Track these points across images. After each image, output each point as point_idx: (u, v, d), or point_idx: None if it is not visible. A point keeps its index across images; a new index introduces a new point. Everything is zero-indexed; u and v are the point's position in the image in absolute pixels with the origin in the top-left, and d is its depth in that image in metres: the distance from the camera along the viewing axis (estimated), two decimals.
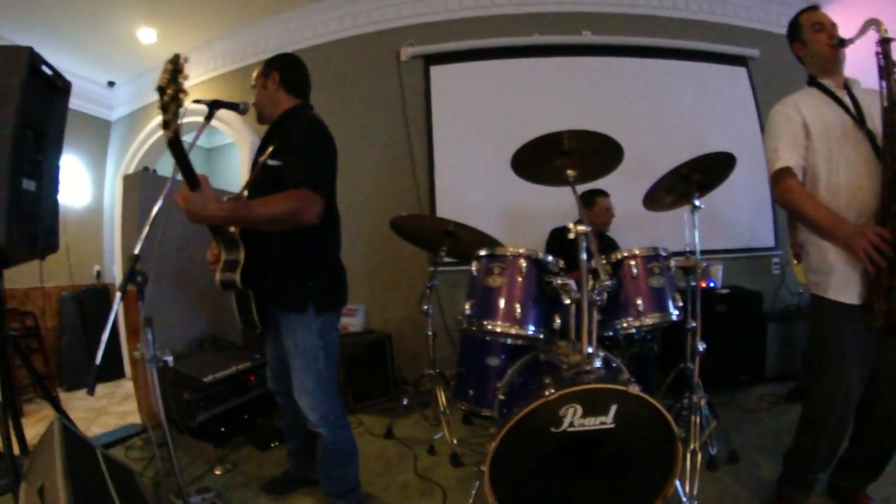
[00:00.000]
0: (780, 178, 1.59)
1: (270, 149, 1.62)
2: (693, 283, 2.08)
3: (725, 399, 2.86)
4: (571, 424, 1.48)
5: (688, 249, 2.50)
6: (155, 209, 1.38)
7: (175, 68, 1.16)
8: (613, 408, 1.49)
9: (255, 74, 1.79)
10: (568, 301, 1.66)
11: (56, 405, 1.96)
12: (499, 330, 1.74)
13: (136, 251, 1.34)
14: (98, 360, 1.18)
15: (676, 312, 1.91)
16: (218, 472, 2.27)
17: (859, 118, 1.52)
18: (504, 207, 3.52)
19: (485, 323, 1.75)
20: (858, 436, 1.65)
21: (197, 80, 4.18)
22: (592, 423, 1.49)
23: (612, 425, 1.50)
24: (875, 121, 1.49)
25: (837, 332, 1.52)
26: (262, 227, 1.52)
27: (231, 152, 5.97)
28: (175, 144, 1.20)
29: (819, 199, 1.55)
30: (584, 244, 1.61)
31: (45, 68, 1.72)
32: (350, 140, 3.72)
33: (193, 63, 4.17)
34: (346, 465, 1.80)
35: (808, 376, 1.74)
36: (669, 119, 3.61)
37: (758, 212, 3.66)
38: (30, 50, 1.62)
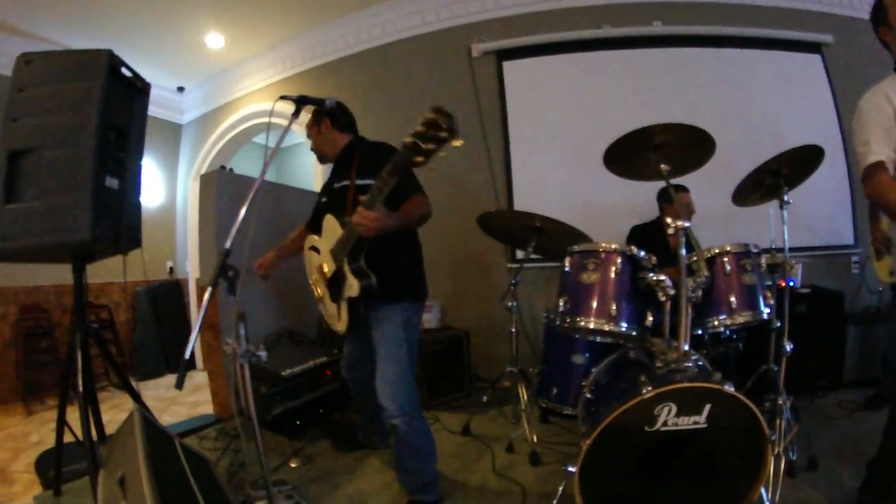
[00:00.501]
0: (872, 173, 1.52)
1: (352, 173, 1.86)
2: (777, 282, 2.04)
3: (803, 404, 2.76)
4: (665, 423, 1.48)
5: (773, 246, 2.47)
6: (244, 208, 1.46)
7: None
8: (707, 407, 1.48)
9: (306, 125, 2.07)
10: (664, 298, 1.68)
11: (135, 396, 2.02)
12: (592, 326, 1.75)
13: (228, 245, 1.40)
14: (188, 354, 1.23)
15: (767, 311, 1.88)
16: (293, 465, 2.32)
17: None
18: (581, 202, 3.52)
19: (578, 319, 1.77)
20: None
21: (265, 84, 4.36)
22: (686, 422, 1.49)
23: (705, 425, 1.49)
24: None
25: None
26: (408, 229, 1.81)
27: (299, 152, 6.17)
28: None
29: None
30: (682, 240, 1.61)
31: (124, 70, 1.81)
32: None
33: (261, 66, 4.36)
34: (422, 459, 1.85)
35: (894, 380, 1.67)
36: (743, 110, 3.53)
37: (836, 207, 3.53)
38: (109, 53, 1.71)
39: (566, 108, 3.60)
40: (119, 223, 1.80)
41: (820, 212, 3.49)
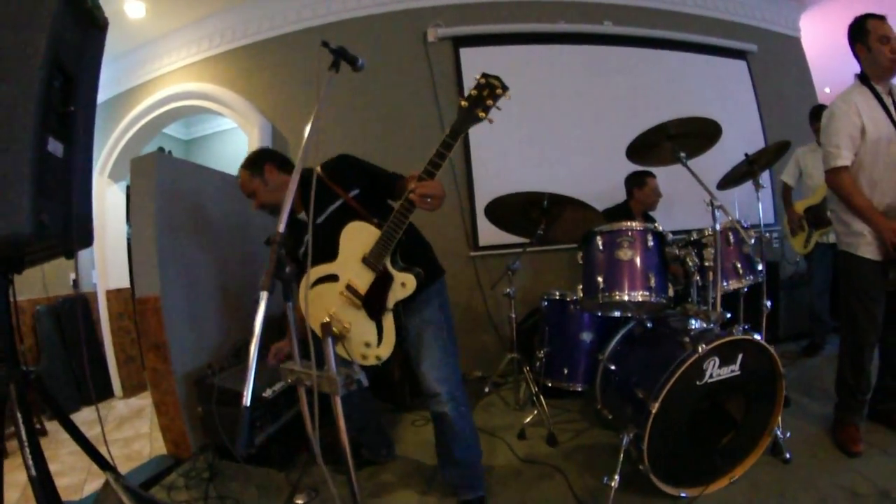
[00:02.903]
0: (838, 172, 2.09)
1: (337, 191, 1.86)
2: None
3: None
4: (711, 375, 1.85)
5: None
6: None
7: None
8: (740, 356, 1.89)
9: (243, 182, 2.01)
10: (693, 267, 2.03)
11: (102, 461, 1.53)
12: (629, 299, 2.05)
13: (282, 228, 1.19)
14: (247, 399, 0.99)
15: (762, 272, 2.36)
16: (300, 502, 2.13)
17: None
18: (541, 189, 3.83)
19: (616, 294, 2.06)
20: (889, 364, 2.24)
21: (187, 62, 4.07)
22: (726, 371, 1.87)
23: (739, 372, 1.89)
24: None
25: (867, 279, 2.09)
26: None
27: (213, 143, 5.79)
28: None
29: (861, 190, 2.07)
30: (717, 215, 1.98)
31: None
32: (379, 121, 3.86)
33: (184, 42, 4.08)
34: (472, 449, 1.93)
35: (844, 319, 2.25)
36: (680, 107, 4.02)
37: (761, 192, 4.31)
38: None
39: (524, 99, 3.87)
40: (69, 208, 1.35)
41: (748, 196, 4.22)
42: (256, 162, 2.00)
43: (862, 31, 2.10)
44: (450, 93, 3.87)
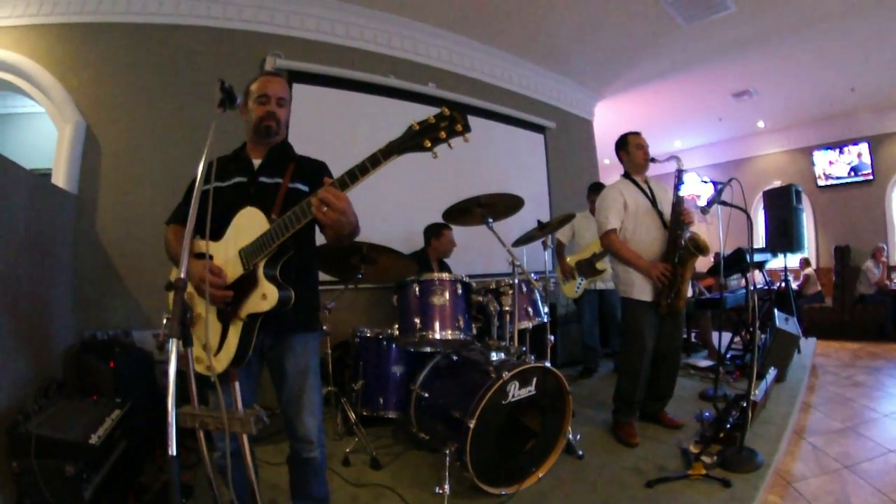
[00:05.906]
0: (609, 234, 2.87)
1: (287, 175, 1.80)
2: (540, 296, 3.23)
3: None
4: (513, 396, 2.34)
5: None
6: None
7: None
8: (535, 379, 2.42)
9: (282, 91, 1.97)
10: (494, 311, 2.59)
11: None
12: (439, 337, 2.52)
13: (183, 274, 1.14)
14: (173, 449, 0.94)
15: (547, 314, 3.02)
16: None
17: (654, 203, 2.89)
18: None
19: (429, 333, 2.49)
20: (654, 376, 2.98)
21: (8, 23, 3.44)
22: (524, 392, 2.38)
23: (535, 392, 2.42)
24: (662, 205, 2.88)
25: (641, 316, 2.84)
26: (341, 239, 1.65)
27: (7, 125, 4.91)
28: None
29: (629, 247, 2.85)
30: (515, 267, 2.56)
31: None
32: (199, 140, 3.71)
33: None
34: (325, 484, 1.94)
35: (623, 346, 3.01)
36: (485, 168, 4.83)
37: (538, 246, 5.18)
38: None
39: (347, 144, 3.88)
40: None
41: (533, 249, 4.60)
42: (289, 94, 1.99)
43: (624, 143, 2.99)
44: None
